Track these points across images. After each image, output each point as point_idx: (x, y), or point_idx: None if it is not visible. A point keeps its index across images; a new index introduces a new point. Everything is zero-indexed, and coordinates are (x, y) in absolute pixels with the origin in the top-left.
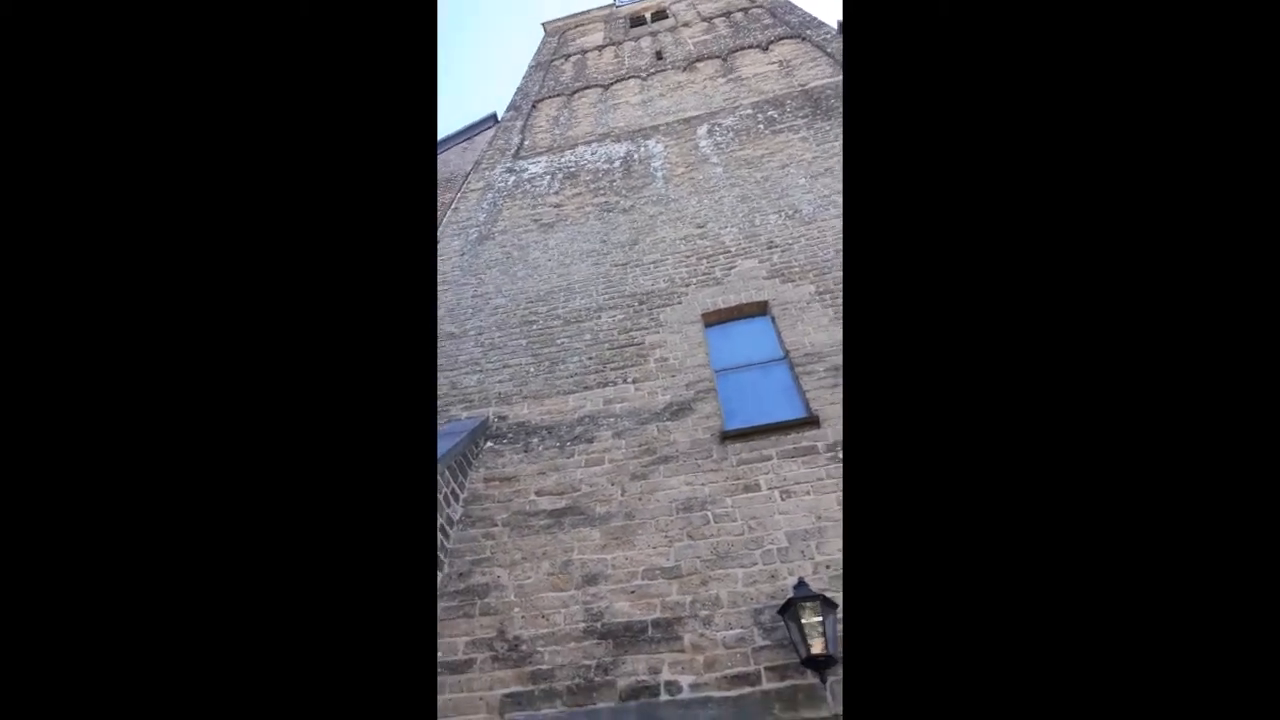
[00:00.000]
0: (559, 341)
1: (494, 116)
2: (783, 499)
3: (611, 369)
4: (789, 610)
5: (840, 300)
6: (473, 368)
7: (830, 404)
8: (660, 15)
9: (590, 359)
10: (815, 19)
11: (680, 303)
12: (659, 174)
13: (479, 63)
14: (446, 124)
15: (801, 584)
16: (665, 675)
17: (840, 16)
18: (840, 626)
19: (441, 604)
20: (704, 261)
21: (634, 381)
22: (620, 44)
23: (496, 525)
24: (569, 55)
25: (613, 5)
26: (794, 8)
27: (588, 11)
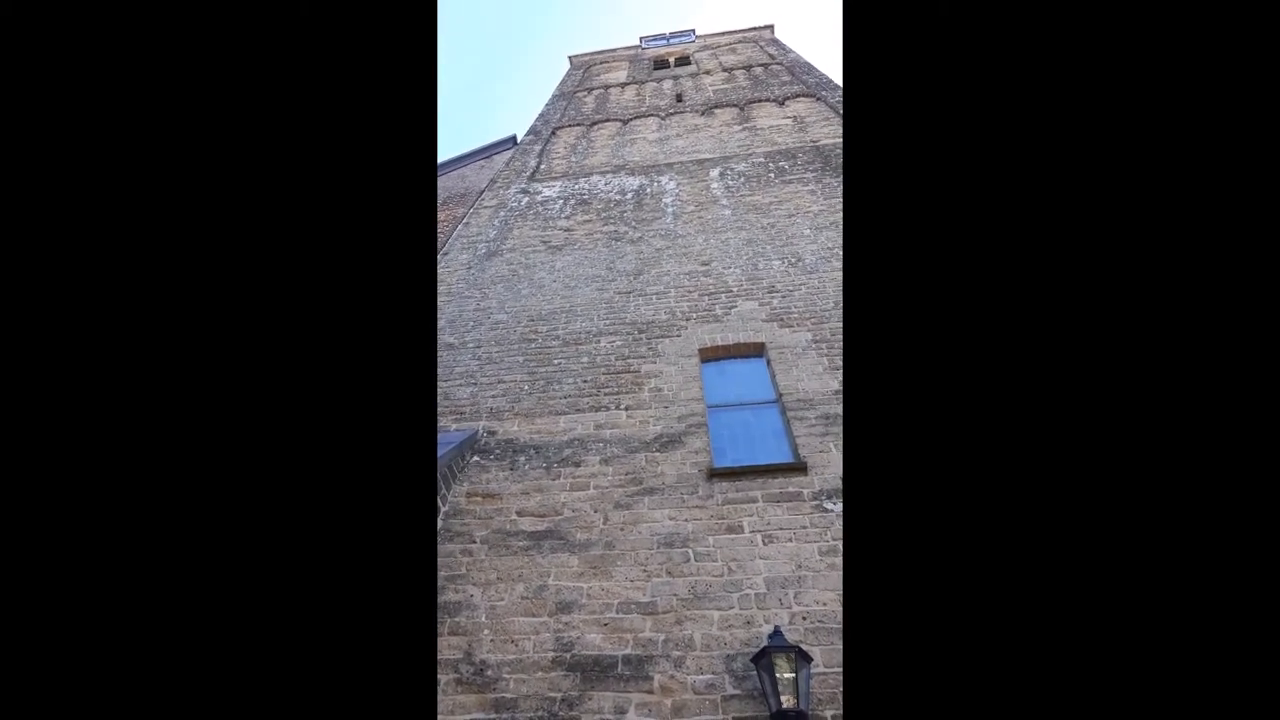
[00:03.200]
0: (556, 362)
1: (513, 139)
2: (765, 544)
3: (605, 394)
4: (762, 659)
5: (835, 350)
6: (467, 380)
7: (819, 452)
8: (683, 61)
9: (585, 382)
10: (831, 81)
11: (679, 335)
12: (669, 210)
13: (503, 88)
14: (466, 143)
15: (777, 633)
16: (631, 717)
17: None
18: (813, 681)
19: None
20: (705, 298)
21: (626, 409)
22: (642, 84)
23: (475, 542)
24: (592, 89)
25: (639, 47)
26: (812, 69)
27: (614, 50)
